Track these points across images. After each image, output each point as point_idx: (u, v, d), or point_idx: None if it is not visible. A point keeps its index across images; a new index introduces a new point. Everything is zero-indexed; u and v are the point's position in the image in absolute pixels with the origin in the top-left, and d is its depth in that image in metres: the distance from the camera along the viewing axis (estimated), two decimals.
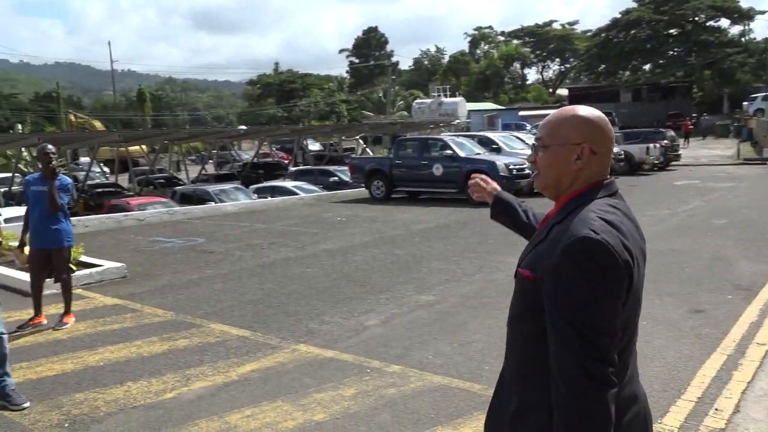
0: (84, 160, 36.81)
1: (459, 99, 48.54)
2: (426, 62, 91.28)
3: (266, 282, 7.51)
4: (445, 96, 48.21)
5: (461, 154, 15.78)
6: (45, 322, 5.95)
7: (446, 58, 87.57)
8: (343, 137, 37.03)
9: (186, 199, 17.56)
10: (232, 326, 5.79)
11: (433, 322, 5.73)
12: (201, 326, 5.82)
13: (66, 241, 5.90)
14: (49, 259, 5.90)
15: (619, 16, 53.46)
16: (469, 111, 47.17)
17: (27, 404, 4.15)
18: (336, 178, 21.68)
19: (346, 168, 21.16)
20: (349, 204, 16.32)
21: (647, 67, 55.58)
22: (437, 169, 15.61)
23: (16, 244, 6.81)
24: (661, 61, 53.17)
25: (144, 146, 30.25)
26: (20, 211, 10.46)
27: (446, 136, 19.25)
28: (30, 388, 4.44)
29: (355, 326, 5.67)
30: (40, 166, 5.89)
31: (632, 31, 52.87)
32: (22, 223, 6.11)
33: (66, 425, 3.88)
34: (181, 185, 22.41)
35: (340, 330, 5.58)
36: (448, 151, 15.73)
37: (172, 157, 33.12)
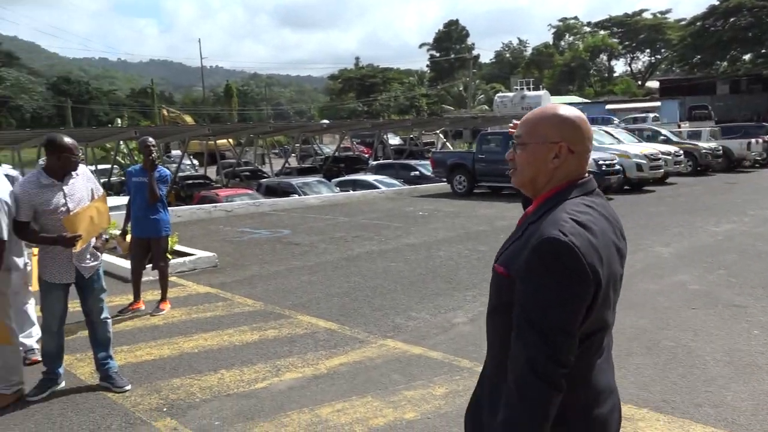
0: (175, 152, 38.58)
1: (542, 92, 47.20)
2: (508, 55, 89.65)
3: (351, 275, 7.53)
4: (528, 89, 47.02)
5: None
6: (143, 307, 6.21)
7: (529, 51, 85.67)
8: (423, 131, 36.90)
9: (271, 191, 17.98)
10: (320, 318, 5.82)
11: None
12: (289, 317, 5.89)
13: (164, 230, 6.14)
14: (149, 247, 6.16)
15: (717, 3, 50.30)
16: None
17: (128, 387, 4.31)
18: (417, 172, 21.60)
19: (426, 162, 21.05)
20: (430, 198, 16.20)
21: (747, 57, 52.09)
22: None
23: (118, 232, 7.15)
24: (763, 51, 49.69)
25: (231, 140, 31.28)
26: (120, 200, 11.01)
27: None
28: (130, 372, 4.61)
29: (443, 323, 5.57)
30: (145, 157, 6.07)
31: (731, 19, 49.58)
32: (123, 212, 6.39)
33: (164, 409, 4.00)
34: (265, 178, 23.02)
35: (427, 326, 5.50)
36: None
37: (257, 150, 34.10)
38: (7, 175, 4.52)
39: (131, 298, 6.27)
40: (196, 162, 33.57)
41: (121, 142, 25.81)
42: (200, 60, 70.53)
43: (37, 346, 4.83)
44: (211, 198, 16.20)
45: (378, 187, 18.34)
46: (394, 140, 39.59)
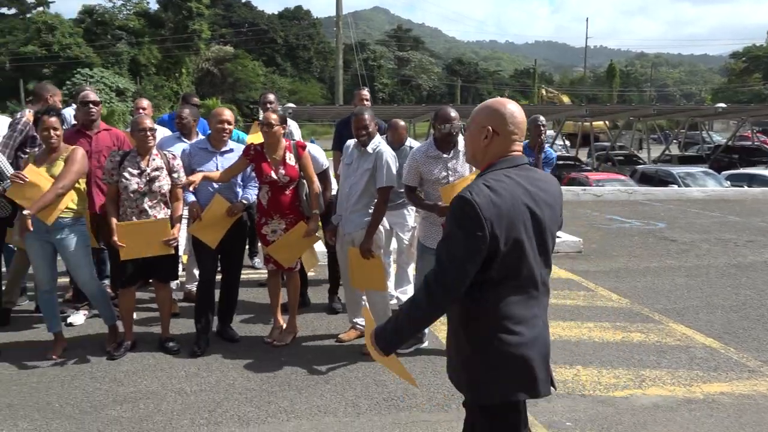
0: (549, 132, 38.88)
1: None
2: None
3: (741, 287, 6.31)
4: None
5: None
6: None
7: None
8: None
9: (646, 179, 16.59)
10: (697, 332, 4.99)
11: None
12: (659, 323, 5.20)
13: None
14: None
15: None
16: None
17: None
18: None
19: None
20: None
21: None
22: None
23: None
24: None
25: (607, 122, 29.98)
26: None
27: None
28: None
29: None
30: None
31: None
32: None
33: None
34: (640, 164, 21.39)
35: None
36: None
37: (635, 134, 31.95)
38: (410, 146, 5.05)
39: None
40: (568, 143, 33.20)
41: None
42: (585, 40, 69.11)
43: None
44: (580, 180, 15.74)
45: None
46: None
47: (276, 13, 78.73)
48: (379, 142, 4.40)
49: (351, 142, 4.51)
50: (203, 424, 3.53)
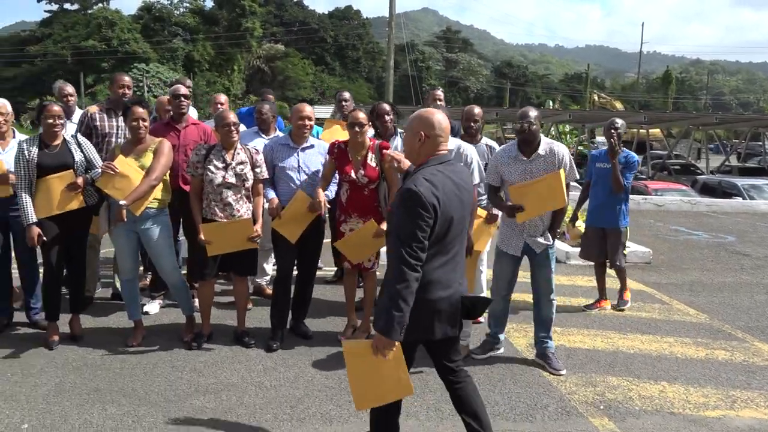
0: (599, 139, 38.03)
1: None
2: None
3: None
4: None
5: None
6: (608, 307, 5.73)
7: None
8: None
9: (708, 190, 16.04)
10: None
11: None
12: (743, 341, 4.99)
13: (622, 222, 5.57)
14: (604, 238, 5.61)
15: None
16: None
17: (563, 372, 4.22)
18: None
19: None
20: None
21: None
22: None
23: (567, 219, 6.97)
24: None
25: (662, 130, 29.16)
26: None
27: None
28: (564, 355, 4.52)
29: None
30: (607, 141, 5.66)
31: None
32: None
33: (601, 407, 3.77)
34: (698, 174, 20.72)
35: None
36: None
37: (692, 144, 31.01)
38: (487, 145, 5.00)
39: (571, 283, 6.10)
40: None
41: (551, 125, 26.59)
42: (640, 45, 67.29)
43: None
44: (639, 189, 15.31)
45: None
46: None
47: (326, 12, 79.36)
48: (456, 141, 4.44)
49: (453, 143, 4.42)
50: (286, 419, 3.53)
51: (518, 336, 4.92)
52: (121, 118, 4.89)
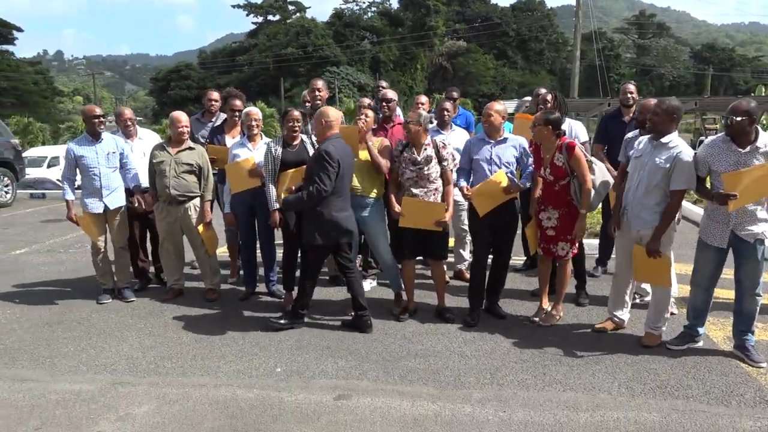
0: None
1: None
2: None
3: None
4: None
5: None
6: None
7: None
8: None
9: None
10: None
11: None
12: None
13: None
14: None
15: None
16: None
17: (764, 364, 4.19)
18: None
19: None
20: None
21: None
22: None
23: None
24: None
25: None
26: None
27: None
28: (765, 348, 4.45)
29: None
30: None
31: None
32: None
33: None
34: None
35: None
36: None
37: None
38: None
39: None
40: None
41: (762, 113, 23.95)
42: None
43: (674, 301, 5.16)
44: None
45: None
46: None
47: (509, 5, 78.52)
48: (676, 140, 4.33)
49: (645, 138, 4.55)
50: (487, 383, 4.01)
51: (715, 329, 4.91)
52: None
